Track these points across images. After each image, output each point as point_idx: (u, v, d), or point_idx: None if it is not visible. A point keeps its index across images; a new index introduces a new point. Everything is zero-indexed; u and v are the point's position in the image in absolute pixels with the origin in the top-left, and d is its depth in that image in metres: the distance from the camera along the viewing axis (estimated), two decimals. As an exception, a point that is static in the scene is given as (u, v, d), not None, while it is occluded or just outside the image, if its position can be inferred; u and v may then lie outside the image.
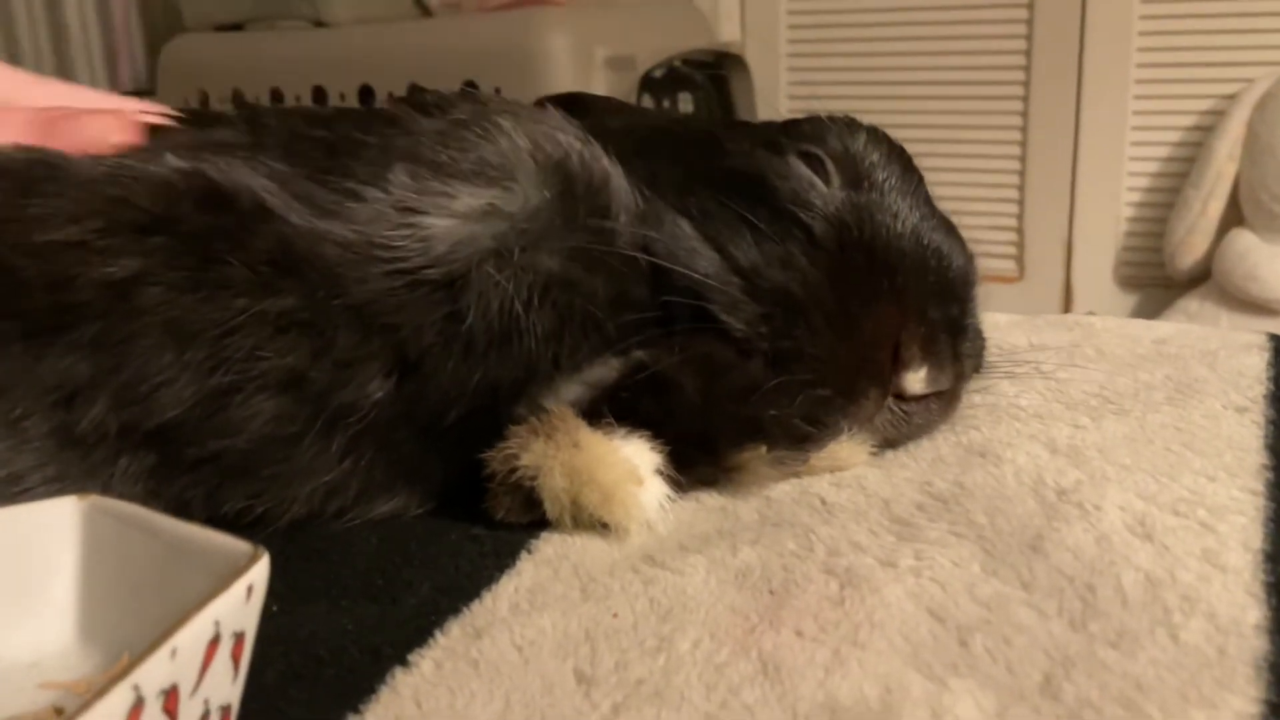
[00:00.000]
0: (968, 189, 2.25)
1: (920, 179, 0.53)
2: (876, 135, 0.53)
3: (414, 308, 0.46)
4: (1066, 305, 2.35)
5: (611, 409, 0.47)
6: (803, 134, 0.53)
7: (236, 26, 2.01)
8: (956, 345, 0.50)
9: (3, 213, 0.44)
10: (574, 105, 0.59)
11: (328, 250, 0.45)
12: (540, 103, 0.57)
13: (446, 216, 0.47)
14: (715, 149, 0.53)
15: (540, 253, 0.48)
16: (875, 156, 0.52)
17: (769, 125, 0.53)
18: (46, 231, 0.44)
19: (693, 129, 0.53)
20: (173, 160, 0.46)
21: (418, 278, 0.46)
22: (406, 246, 0.46)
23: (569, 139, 0.50)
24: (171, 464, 0.46)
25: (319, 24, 1.96)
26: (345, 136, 0.49)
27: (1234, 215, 2.21)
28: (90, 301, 0.43)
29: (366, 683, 0.37)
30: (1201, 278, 2.25)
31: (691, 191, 0.51)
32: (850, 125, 0.53)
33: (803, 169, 0.51)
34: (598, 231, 0.49)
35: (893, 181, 0.52)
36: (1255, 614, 0.38)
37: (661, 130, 0.55)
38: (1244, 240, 2.15)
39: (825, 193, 0.51)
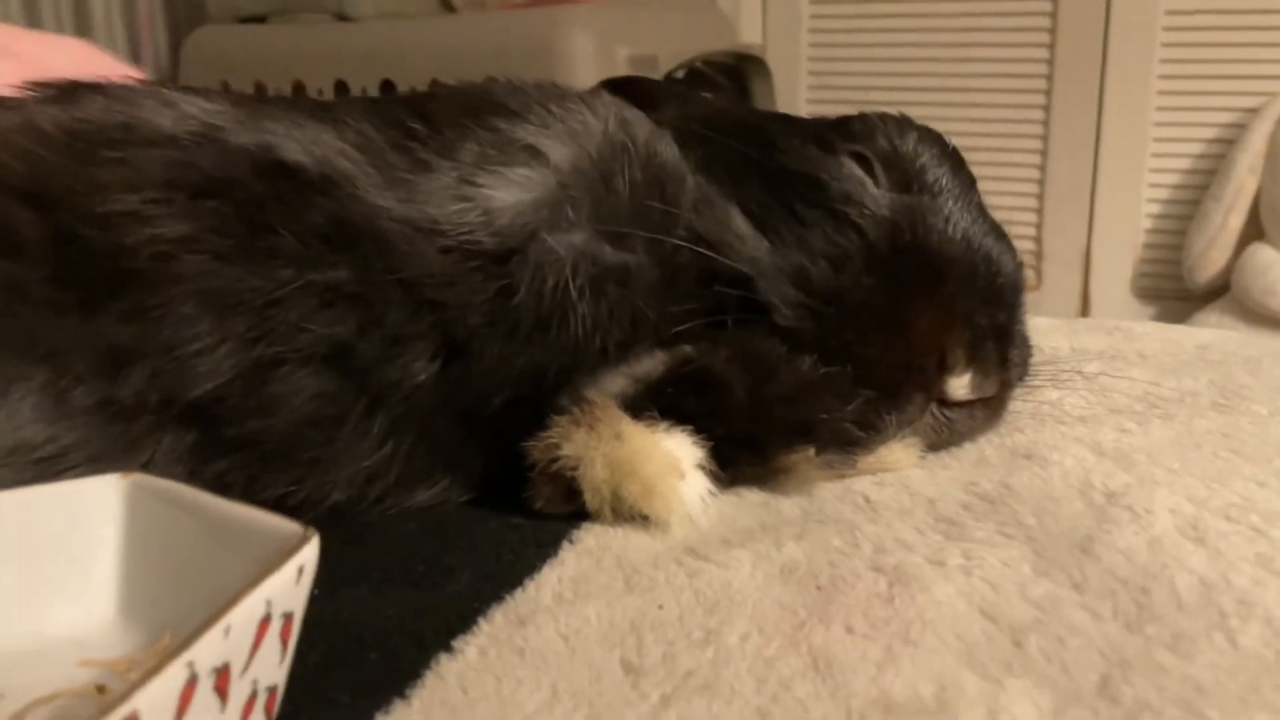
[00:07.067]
0: (987, 196, 2.23)
1: (972, 181, 0.52)
2: (928, 136, 0.53)
3: (466, 283, 0.46)
4: (1084, 315, 2.35)
5: (657, 405, 0.46)
6: (853, 133, 0.52)
7: (260, 19, 2.02)
8: (1004, 351, 0.50)
9: (71, 183, 0.44)
10: (632, 90, 0.59)
11: (385, 225, 0.46)
12: (599, 87, 0.57)
13: (509, 189, 0.47)
14: (766, 142, 0.53)
15: (599, 235, 0.48)
16: (926, 158, 0.51)
17: (820, 122, 0.53)
18: (107, 201, 0.44)
19: (745, 120, 0.53)
20: (248, 132, 0.47)
21: (476, 249, 0.46)
22: (469, 221, 0.46)
23: (640, 124, 0.51)
24: (212, 444, 0.45)
25: (342, 18, 1.96)
26: (436, 108, 0.50)
27: (1254, 229, 2.20)
28: (142, 270, 0.44)
29: (411, 668, 0.36)
30: (1220, 291, 2.24)
31: (743, 182, 0.51)
32: (901, 125, 0.52)
33: (855, 169, 0.51)
34: (661, 216, 0.49)
35: (943, 183, 0.51)
36: (1314, 620, 0.37)
37: (715, 120, 0.55)
38: (1264, 254, 2.14)
39: (875, 194, 0.50)
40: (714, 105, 0.69)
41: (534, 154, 0.48)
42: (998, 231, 0.53)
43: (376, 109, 0.51)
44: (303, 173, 0.46)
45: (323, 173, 0.46)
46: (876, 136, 0.53)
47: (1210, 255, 2.25)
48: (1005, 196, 2.34)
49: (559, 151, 0.49)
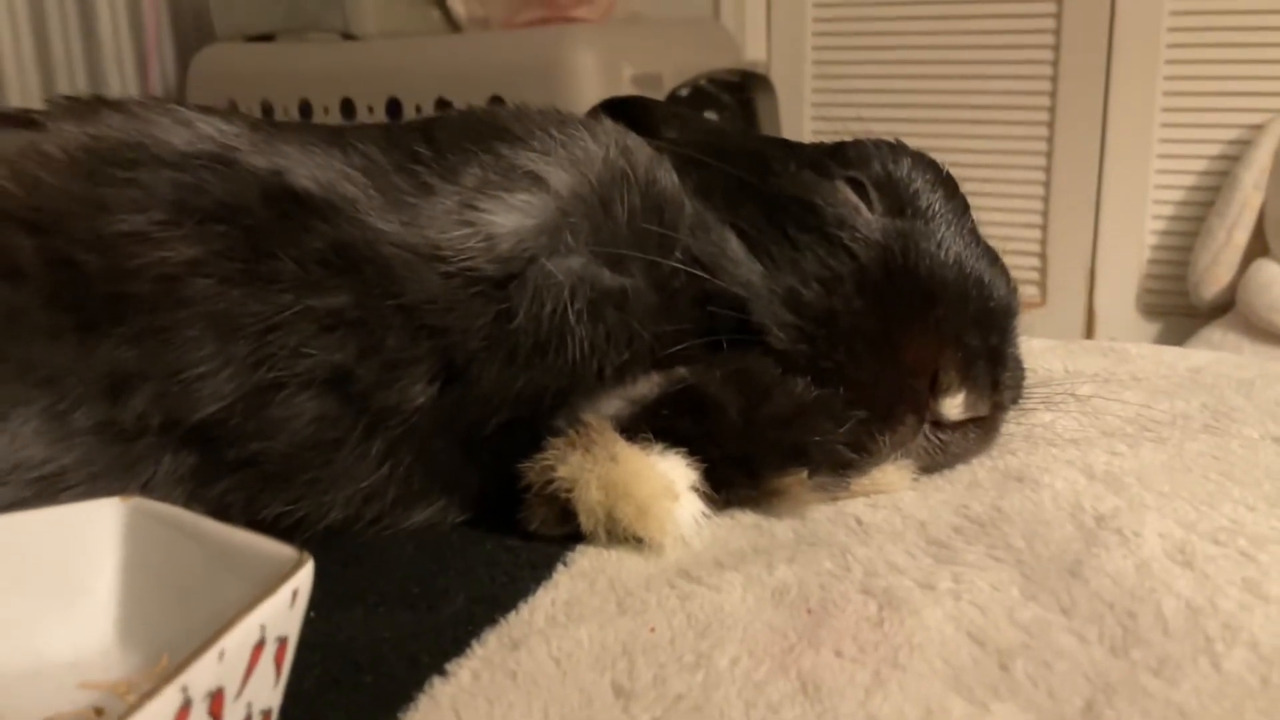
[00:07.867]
0: (991, 213, 2.23)
1: (965, 206, 0.53)
2: (922, 161, 0.53)
3: (466, 308, 0.46)
4: (1089, 332, 2.34)
5: (652, 427, 0.47)
6: (848, 159, 0.53)
7: (267, 37, 2.03)
8: (996, 373, 0.50)
9: (70, 206, 0.45)
10: (631, 109, 0.59)
11: (386, 250, 0.46)
12: (598, 109, 0.58)
13: (511, 214, 0.48)
14: (762, 166, 0.53)
15: (597, 259, 0.48)
16: (919, 183, 0.52)
17: (816, 147, 0.54)
18: (112, 222, 0.44)
19: (742, 144, 0.54)
20: (262, 155, 0.48)
21: (477, 275, 0.47)
22: (470, 247, 0.47)
23: (639, 151, 0.51)
24: (212, 466, 0.46)
25: (348, 37, 1.97)
26: (442, 132, 0.51)
27: (1259, 245, 2.20)
28: (146, 294, 0.44)
29: (405, 691, 0.37)
30: (1225, 307, 2.24)
31: (739, 206, 0.52)
32: (895, 150, 0.53)
33: (849, 194, 0.51)
34: (658, 240, 0.50)
35: (936, 208, 0.52)
36: (1299, 645, 0.37)
37: (712, 143, 0.56)
38: (1268, 271, 2.14)
39: (868, 218, 0.51)
40: (713, 128, 0.70)
41: (535, 180, 0.49)
42: (991, 256, 0.54)
43: (385, 132, 0.51)
44: (309, 199, 0.47)
45: (326, 198, 0.47)
46: (871, 162, 0.54)
47: (1215, 271, 2.25)
48: (1010, 214, 2.34)
49: (560, 178, 0.49)
